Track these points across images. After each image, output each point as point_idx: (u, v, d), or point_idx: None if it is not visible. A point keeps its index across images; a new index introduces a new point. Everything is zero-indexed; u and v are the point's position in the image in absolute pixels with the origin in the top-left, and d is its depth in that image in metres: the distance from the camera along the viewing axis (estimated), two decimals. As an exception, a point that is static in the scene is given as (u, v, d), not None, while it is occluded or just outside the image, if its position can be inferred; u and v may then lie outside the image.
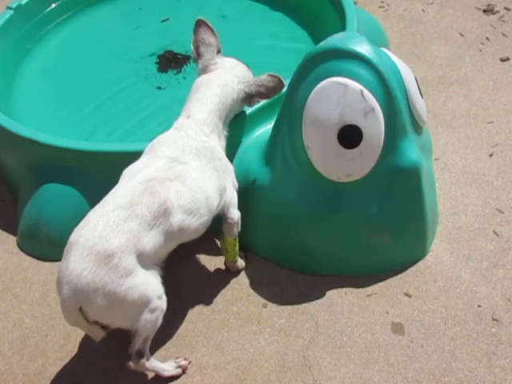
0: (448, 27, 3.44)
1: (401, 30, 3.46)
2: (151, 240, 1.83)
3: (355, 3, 3.64)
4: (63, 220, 2.33)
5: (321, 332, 2.11)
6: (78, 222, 1.87)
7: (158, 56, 3.16)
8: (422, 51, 3.30)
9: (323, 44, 2.05)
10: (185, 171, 1.94)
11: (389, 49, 3.17)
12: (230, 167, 2.14)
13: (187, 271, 2.36)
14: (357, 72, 1.96)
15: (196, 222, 1.95)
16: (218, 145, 2.10)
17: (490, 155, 2.68)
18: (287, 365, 2.03)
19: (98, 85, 3.00)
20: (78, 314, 1.77)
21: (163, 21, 3.40)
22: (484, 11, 3.53)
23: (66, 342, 2.16)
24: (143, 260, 1.82)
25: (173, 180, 1.90)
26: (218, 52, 2.22)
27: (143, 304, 1.83)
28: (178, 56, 3.15)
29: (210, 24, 2.20)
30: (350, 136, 1.99)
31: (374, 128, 1.99)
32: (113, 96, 2.93)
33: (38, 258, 2.47)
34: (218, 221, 2.14)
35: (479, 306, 2.14)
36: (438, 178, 2.54)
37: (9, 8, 3.07)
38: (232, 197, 2.12)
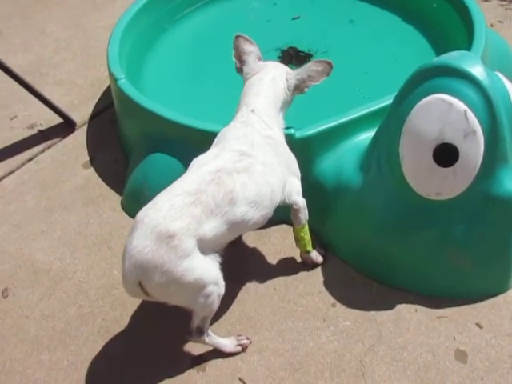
0: None
1: (534, 60, 3.30)
2: (212, 227, 1.90)
3: (492, 26, 3.56)
4: (164, 188, 2.51)
5: (382, 342, 2.13)
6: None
7: (282, 51, 3.27)
8: (552, 83, 3.14)
9: (436, 60, 2.06)
10: (252, 165, 2.02)
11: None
12: (293, 158, 2.22)
13: (268, 258, 2.46)
14: (464, 92, 1.94)
15: (258, 214, 2.02)
16: (281, 136, 2.20)
17: None
18: (342, 365, 2.07)
19: (221, 70, 3.15)
20: (138, 289, 1.87)
21: (294, 18, 3.51)
22: None
23: (144, 298, 2.34)
24: (203, 245, 1.89)
25: (240, 172, 1.98)
26: (259, 59, 2.31)
27: (199, 287, 1.90)
28: (301, 54, 3.24)
29: (247, 37, 2.31)
30: (445, 154, 1.98)
31: (472, 150, 1.96)
32: (232, 82, 3.07)
33: (137, 219, 2.68)
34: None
35: (554, 352, 2.05)
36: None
37: (153, -11, 3.34)
38: (294, 185, 2.19)
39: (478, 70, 1.94)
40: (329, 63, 2.21)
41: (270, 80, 2.22)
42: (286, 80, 2.24)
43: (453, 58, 2.01)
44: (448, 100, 1.95)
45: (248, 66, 2.29)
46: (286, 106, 2.27)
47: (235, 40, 2.31)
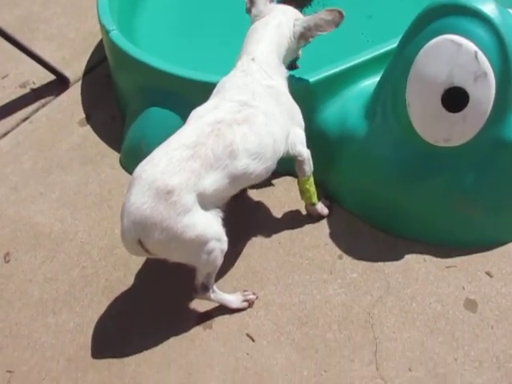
0: None
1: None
2: (212, 182, 1.84)
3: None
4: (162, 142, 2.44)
5: (391, 293, 2.09)
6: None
7: (281, -6, 3.14)
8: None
9: (444, -2, 1.94)
10: (253, 115, 1.94)
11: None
12: (296, 108, 2.13)
13: (272, 211, 2.41)
14: (474, 31, 1.84)
15: (260, 167, 1.95)
16: (284, 86, 2.11)
17: None
18: (350, 318, 2.04)
19: (217, 19, 3.05)
20: (138, 247, 1.82)
21: (292, -40, 3.35)
22: None
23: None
24: (203, 201, 1.84)
25: (240, 124, 1.91)
26: (270, 1, 2.21)
27: (200, 244, 1.86)
28: (300, -4, 3.10)
29: None
30: (455, 99, 1.89)
31: (483, 94, 1.87)
32: (229, 31, 2.96)
33: (136, 176, 2.61)
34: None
35: None
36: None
37: None
38: (298, 135, 2.12)
39: (489, 8, 1.83)
40: (340, 12, 2.08)
41: (276, 26, 2.12)
42: (294, 26, 2.13)
43: (462, -5, 1.89)
44: (457, 41, 1.85)
45: (257, 7, 2.18)
46: (290, 54, 2.17)
47: None
